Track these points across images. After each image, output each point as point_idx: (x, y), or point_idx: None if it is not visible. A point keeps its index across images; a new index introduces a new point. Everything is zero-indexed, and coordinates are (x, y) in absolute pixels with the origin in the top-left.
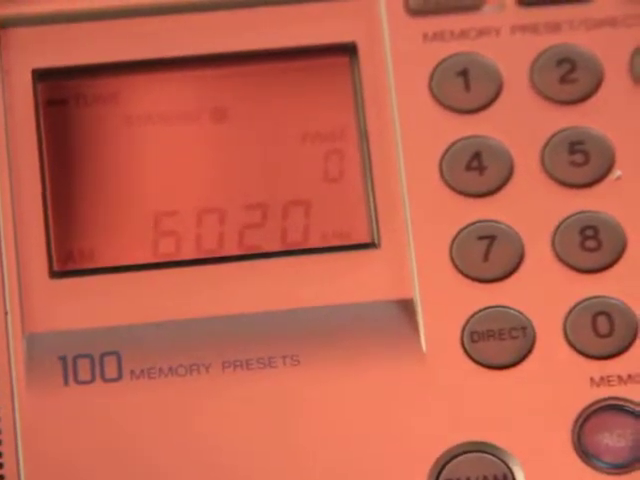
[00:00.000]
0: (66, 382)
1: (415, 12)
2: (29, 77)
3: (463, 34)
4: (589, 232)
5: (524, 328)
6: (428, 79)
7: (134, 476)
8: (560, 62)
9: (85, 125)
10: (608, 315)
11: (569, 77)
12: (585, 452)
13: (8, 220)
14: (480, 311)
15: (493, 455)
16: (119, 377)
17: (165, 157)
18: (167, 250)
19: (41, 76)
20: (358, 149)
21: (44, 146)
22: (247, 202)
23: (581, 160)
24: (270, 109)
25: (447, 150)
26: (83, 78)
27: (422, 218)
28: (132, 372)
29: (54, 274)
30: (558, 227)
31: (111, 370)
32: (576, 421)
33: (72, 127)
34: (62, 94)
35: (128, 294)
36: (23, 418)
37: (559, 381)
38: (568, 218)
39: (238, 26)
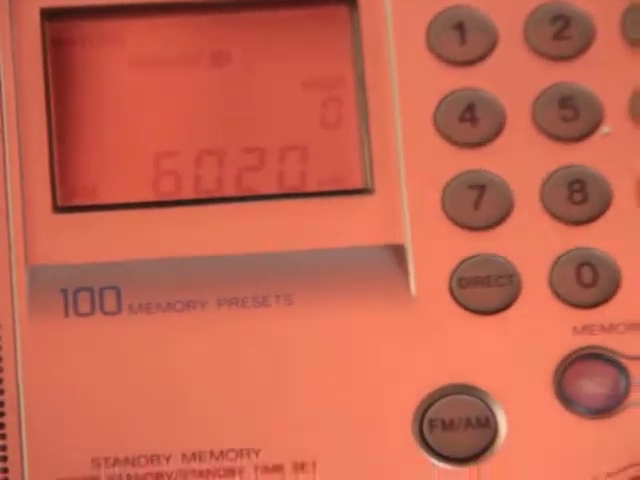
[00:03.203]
0: (67, 314)
1: None
2: (37, 16)
3: None
4: (576, 186)
5: (510, 276)
6: (425, 31)
7: (130, 405)
8: (555, 19)
9: (90, 66)
10: (592, 266)
11: (563, 33)
12: (566, 398)
13: (14, 155)
14: (469, 258)
15: (477, 397)
16: (118, 311)
17: (167, 99)
18: (167, 189)
19: (49, 15)
20: (355, 97)
21: (50, 85)
22: (245, 145)
23: (571, 115)
24: (270, 55)
25: (442, 101)
26: (90, 19)
27: (415, 166)
28: (130, 306)
29: (57, 209)
30: (547, 180)
31: (110, 304)
32: (558, 368)
33: (78, 67)
34: (69, 34)
35: (129, 231)
36: (24, 348)
37: (543, 328)
38: (557, 171)
39: None
